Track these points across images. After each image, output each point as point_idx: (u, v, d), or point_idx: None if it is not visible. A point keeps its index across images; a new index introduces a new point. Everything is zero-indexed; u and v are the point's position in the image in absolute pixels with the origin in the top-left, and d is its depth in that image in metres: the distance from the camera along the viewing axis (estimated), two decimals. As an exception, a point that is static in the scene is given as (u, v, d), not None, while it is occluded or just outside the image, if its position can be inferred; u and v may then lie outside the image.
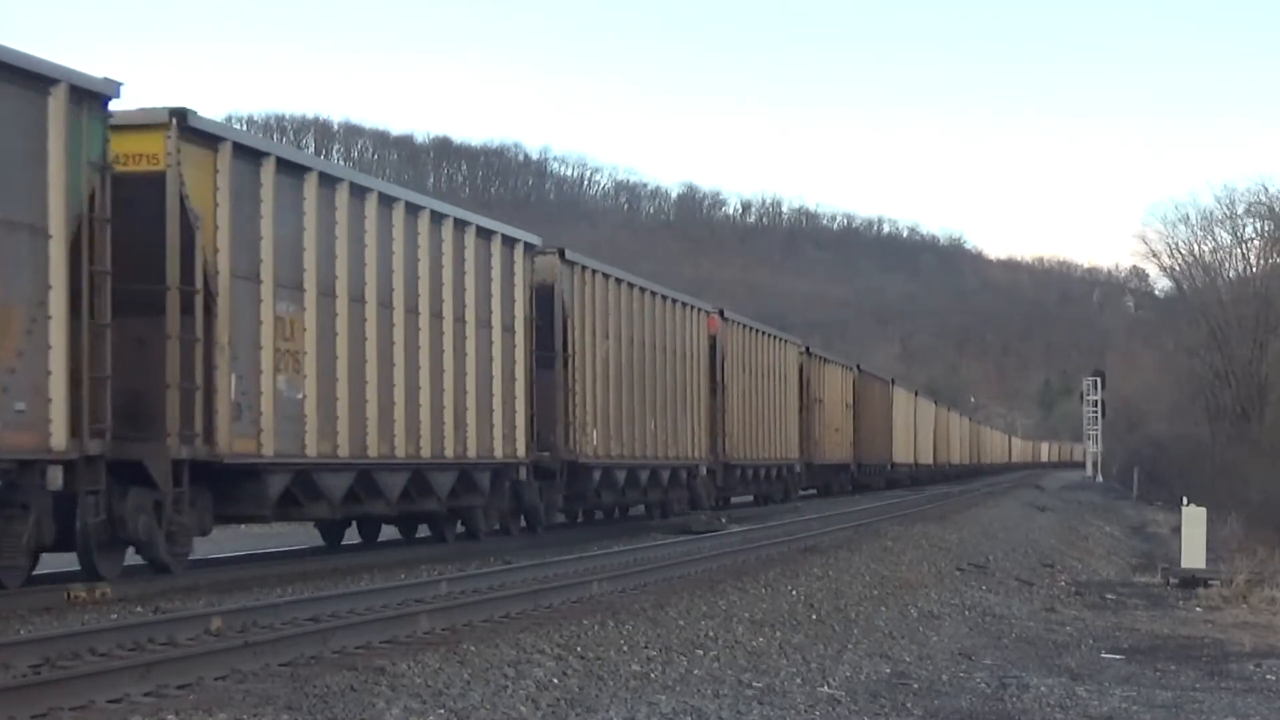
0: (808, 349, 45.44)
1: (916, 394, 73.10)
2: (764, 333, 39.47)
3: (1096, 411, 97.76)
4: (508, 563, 18.82)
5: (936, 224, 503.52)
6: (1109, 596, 21.50)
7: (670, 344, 30.57)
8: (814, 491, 48.59)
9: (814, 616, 15.12)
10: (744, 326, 37.31)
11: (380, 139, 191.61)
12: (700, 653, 12.21)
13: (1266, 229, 69.80)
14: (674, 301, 31.16)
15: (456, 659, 10.57)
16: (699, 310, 33.09)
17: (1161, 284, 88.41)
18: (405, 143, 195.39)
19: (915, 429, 69.40)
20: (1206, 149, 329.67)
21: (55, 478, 13.82)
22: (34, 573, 14.50)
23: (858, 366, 55.38)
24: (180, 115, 15.34)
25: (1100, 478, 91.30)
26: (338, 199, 18.24)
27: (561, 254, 25.21)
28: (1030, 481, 76.40)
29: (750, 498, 40.15)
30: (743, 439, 36.00)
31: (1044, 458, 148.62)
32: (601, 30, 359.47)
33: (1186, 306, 73.17)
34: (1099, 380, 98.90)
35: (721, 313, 34.74)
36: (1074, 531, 36.98)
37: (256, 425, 16.30)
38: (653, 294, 30.02)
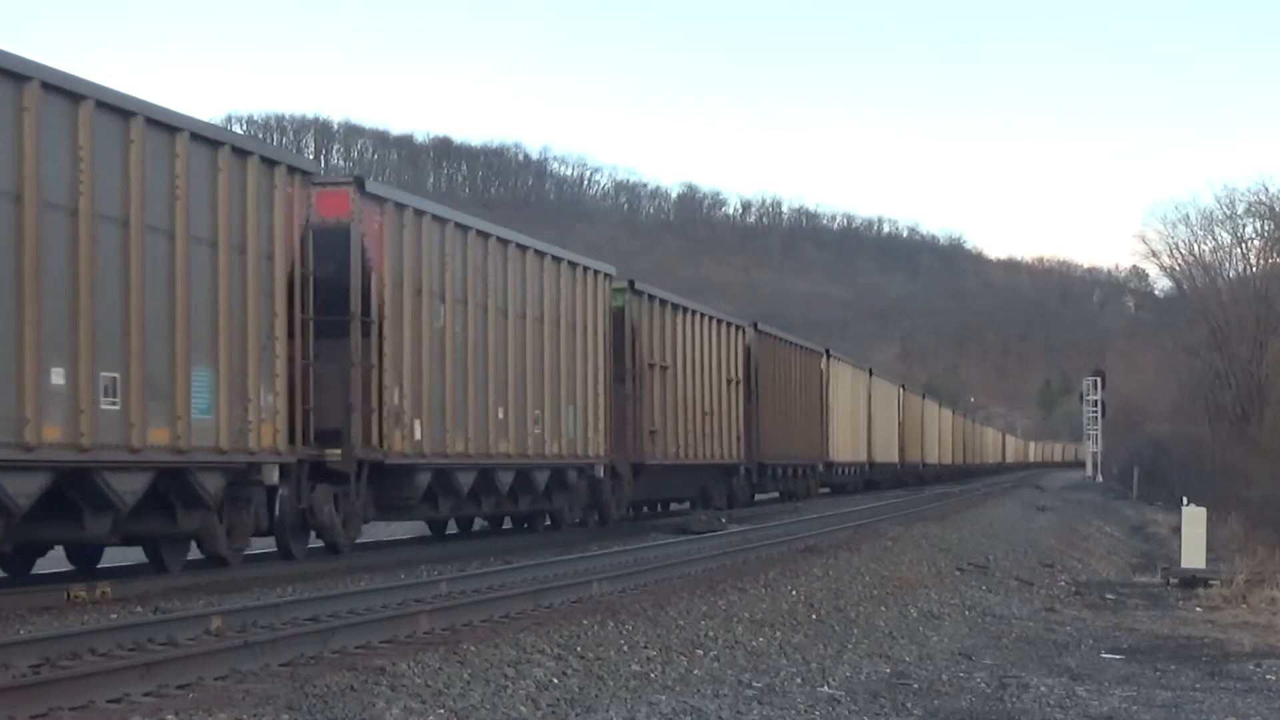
0: (632, 284, 28.88)
1: (871, 373, 57.11)
2: (505, 242, 23.27)
3: (1096, 411, 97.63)
4: (508, 563, 18.82)
5: (936, 224, 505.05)
6: (1109, 596, 21.49)
7: (186, 226, 15.72)
8: (688, 506, 34.85)
9: (814, 616, 15.12)
10: (442, 223, 21.18)
11: (380, 139, 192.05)
12: (700, 653, 12.21)
13: (1266, 229, 69.80)
14: (196, 139, 15.92)
15: (456, 659, 10.57)
16: (279, 168, 17.50)
17: (1161, 284, 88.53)
18: (405, 143, 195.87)
19: (869, 419, 55.17)
20: (1206, 149, 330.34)
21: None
22: (34, 572, 14.57)
23: (754, 325, 38.47)
24: None
25: (1100, 478, 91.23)
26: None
27: None
28: (1030, 481, 76.36)
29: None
30: (455, 423, 21.12)
31: (1042, 457, 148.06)
32: (602, 30, 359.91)
33: (1186, 306, 73.15)
34: (1099, 380, 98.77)
35: (360, 185, 19.14)
36: (1074, 531, 36.97)
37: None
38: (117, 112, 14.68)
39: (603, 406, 26.89)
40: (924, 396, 76.07)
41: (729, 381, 35.41)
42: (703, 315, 33.82)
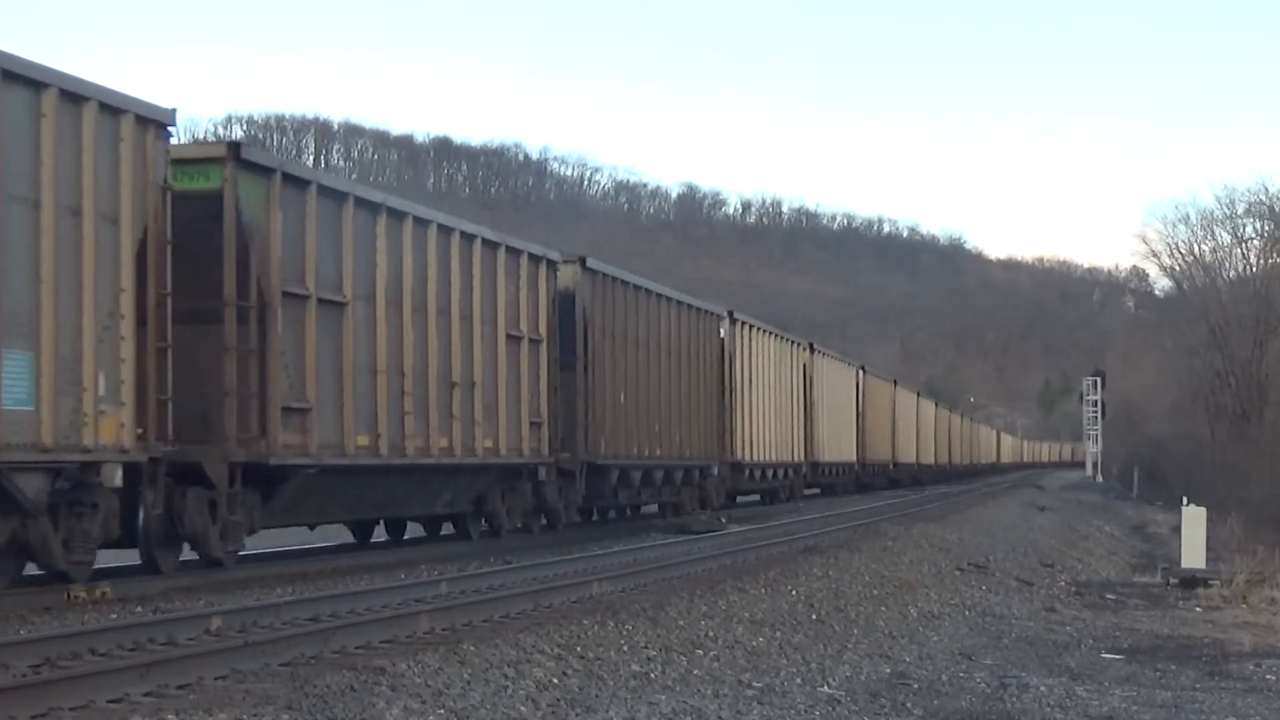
0: (238, 151, 16.84)
1: (814, 350, 45.83)
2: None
3: (1096, 411, 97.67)
4: (508, 562, 18.83)
5: (936, 224, 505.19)
6: (1109, 596, 21.50)
7: None
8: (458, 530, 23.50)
9: (814, 616, 15.12)
10: None
11: (380, 139, 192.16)
12: (700, 653, 12.21)
13: (1266, 229, 69.97)
14: None
15: (456, 659, 10.57)
16: None
17: (1161, 284, 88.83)
18: (405, 143, 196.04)
19: (807, 408, 43.74)
20: (1206, 149, 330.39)
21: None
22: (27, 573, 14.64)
23: (582, 261, 26.01)
24: None
25: (1100, 477, 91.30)
26: None
27: None
28: (1030, 481, 76.37)
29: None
30: None
31: (1039, 457, 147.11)
32: (602, 30, 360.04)
33: (1186, 306, 73.30)
34: (1099, 380, 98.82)
35: None
36: (1074, 531, 37.00)
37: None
38: None
39: (133, 361, 14.83)
40: (896, 384, 64.77)
41: (515, 339, 22.86)
42: (444, 228, 20.84)
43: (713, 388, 33.91)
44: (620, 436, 27.42)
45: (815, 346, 46.41)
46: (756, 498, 40.64)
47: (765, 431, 38.51)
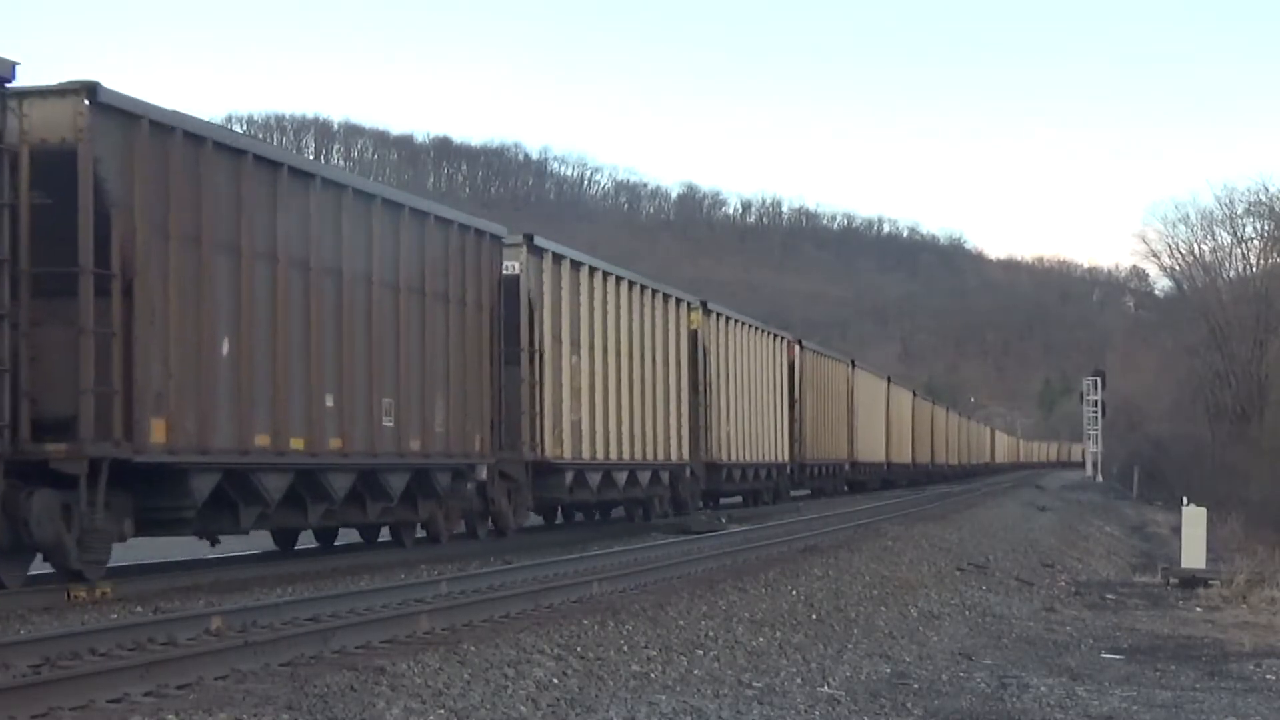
0: None
1: (706, 310, 34.01)
2: None
3: (1096, 411, 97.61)
4: (508, 562, 18.83)
5: (936, 224, 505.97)
6: (1109, 596, 21.49)
7: None
8: None
9: (814, 616, 15.12)
10: None
11: (380, 139, 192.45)
12: (700, 653, 12.21)
13: (1266, 229, 70.00)
14: None
15: (456, 659, 10.57)
16: None
17: (1161, 284, 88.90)
18: (405, 143, 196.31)
19: (698, 390, 32.72)
20: (1206, 149, 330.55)
21: None
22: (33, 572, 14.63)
23: (89, 93, 13.99)
24: None
25: (1100, 477, 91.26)
26: None
27: None
28: (1030, 481, 76.33)
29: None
30: None
31: (1036, 457, 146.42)
32: (602, 31, 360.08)
33: (1186, 306, 73.33)
34: (1099, 380, 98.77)
35: None
36: (1074, 531, 36.98)
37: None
38: None
39: None
40: (854, 364, 53.01)
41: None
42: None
43: (484, 351, 22.12)
44: (225, 416, 16.07)
45: (710, 306, 34.41)
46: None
47: (599, 419, 26.42)
